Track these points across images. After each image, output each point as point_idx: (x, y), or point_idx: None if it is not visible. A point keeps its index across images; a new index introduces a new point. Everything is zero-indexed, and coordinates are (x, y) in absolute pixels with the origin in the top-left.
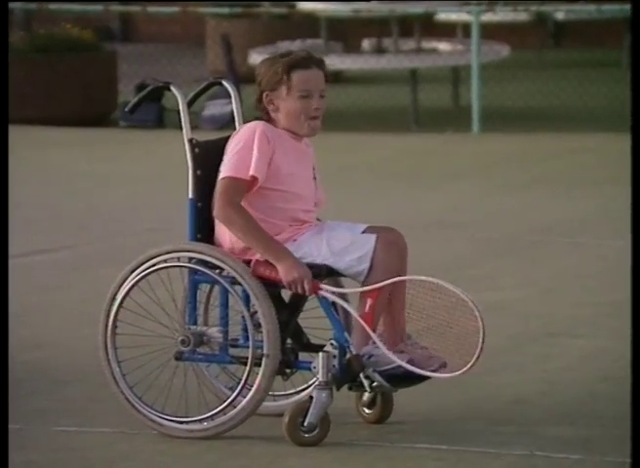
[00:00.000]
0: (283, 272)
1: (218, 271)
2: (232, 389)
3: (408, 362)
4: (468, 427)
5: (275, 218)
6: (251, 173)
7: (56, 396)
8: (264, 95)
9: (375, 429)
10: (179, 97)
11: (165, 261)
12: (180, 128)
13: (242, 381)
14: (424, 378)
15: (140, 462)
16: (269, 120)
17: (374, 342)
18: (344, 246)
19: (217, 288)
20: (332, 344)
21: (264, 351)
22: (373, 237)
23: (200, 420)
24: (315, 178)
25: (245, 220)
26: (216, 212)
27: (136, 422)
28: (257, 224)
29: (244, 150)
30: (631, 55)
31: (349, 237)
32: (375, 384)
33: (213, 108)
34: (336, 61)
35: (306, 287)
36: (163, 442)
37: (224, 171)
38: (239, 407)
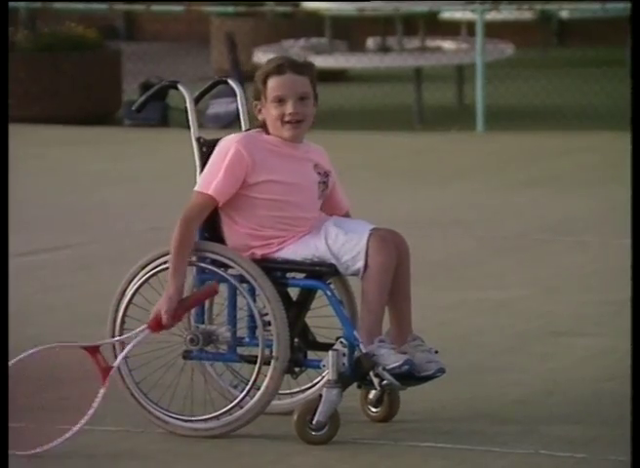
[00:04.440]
0: (164, 297)
1: (222, 269)
2: (237, 387)
3: (406, 362)
4: (473, 426)
5: (267, 229)
6: (209, 192)
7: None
8: (254, 105)
9: (379, 427)
10: (186, 96)
11: None
12: (186, 126)
13: (250, 382)
14: (431, 377)
15: (144, 460)
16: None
17: (380, 341)
18: (339, 247)
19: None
20: (341, 342)
21: (274, 353)
22: (365, 235)
23: (205, 420)
24: (326, 183)
25: (181, 242)
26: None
27: (140, 421)
28: (187, 251)
29: (213, 167)
30: (631, 55)
31: (342, 238)
32: (384, 382)
33: (217, 107)
34: (340, 60)
35: (164, 318)
36: (167, 440)
37: (197, 184)
38: (246, 407)
